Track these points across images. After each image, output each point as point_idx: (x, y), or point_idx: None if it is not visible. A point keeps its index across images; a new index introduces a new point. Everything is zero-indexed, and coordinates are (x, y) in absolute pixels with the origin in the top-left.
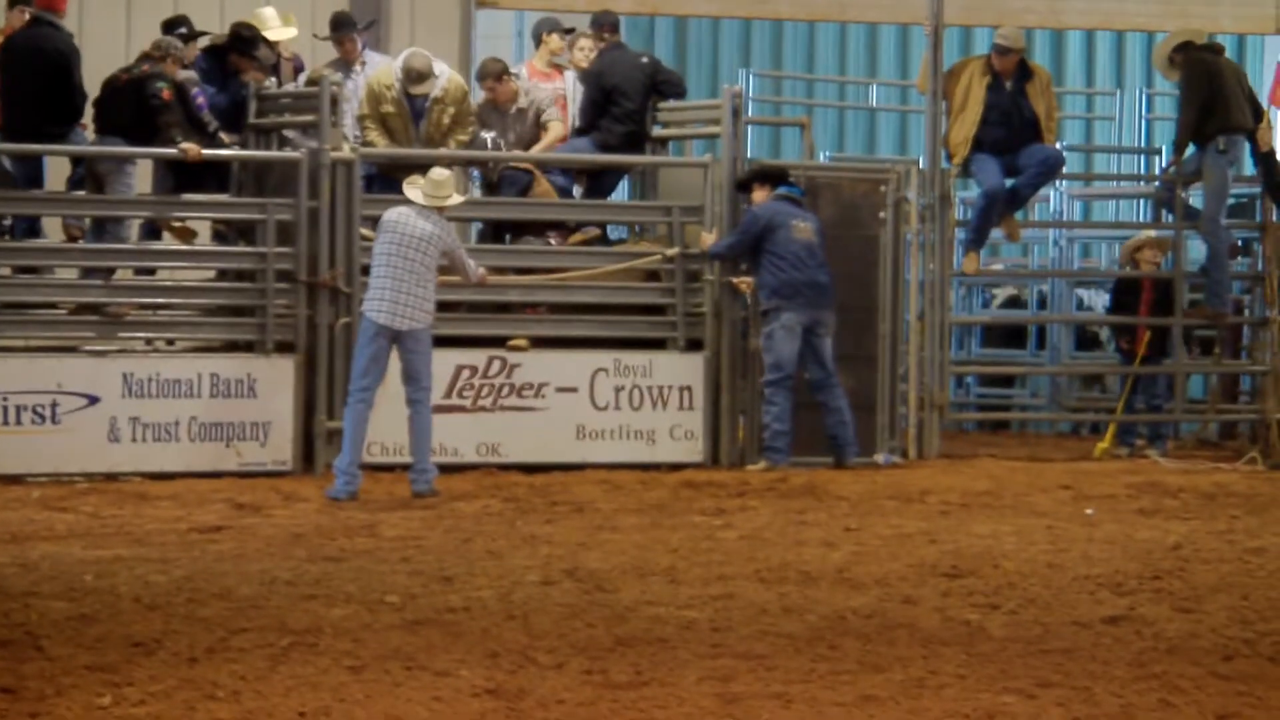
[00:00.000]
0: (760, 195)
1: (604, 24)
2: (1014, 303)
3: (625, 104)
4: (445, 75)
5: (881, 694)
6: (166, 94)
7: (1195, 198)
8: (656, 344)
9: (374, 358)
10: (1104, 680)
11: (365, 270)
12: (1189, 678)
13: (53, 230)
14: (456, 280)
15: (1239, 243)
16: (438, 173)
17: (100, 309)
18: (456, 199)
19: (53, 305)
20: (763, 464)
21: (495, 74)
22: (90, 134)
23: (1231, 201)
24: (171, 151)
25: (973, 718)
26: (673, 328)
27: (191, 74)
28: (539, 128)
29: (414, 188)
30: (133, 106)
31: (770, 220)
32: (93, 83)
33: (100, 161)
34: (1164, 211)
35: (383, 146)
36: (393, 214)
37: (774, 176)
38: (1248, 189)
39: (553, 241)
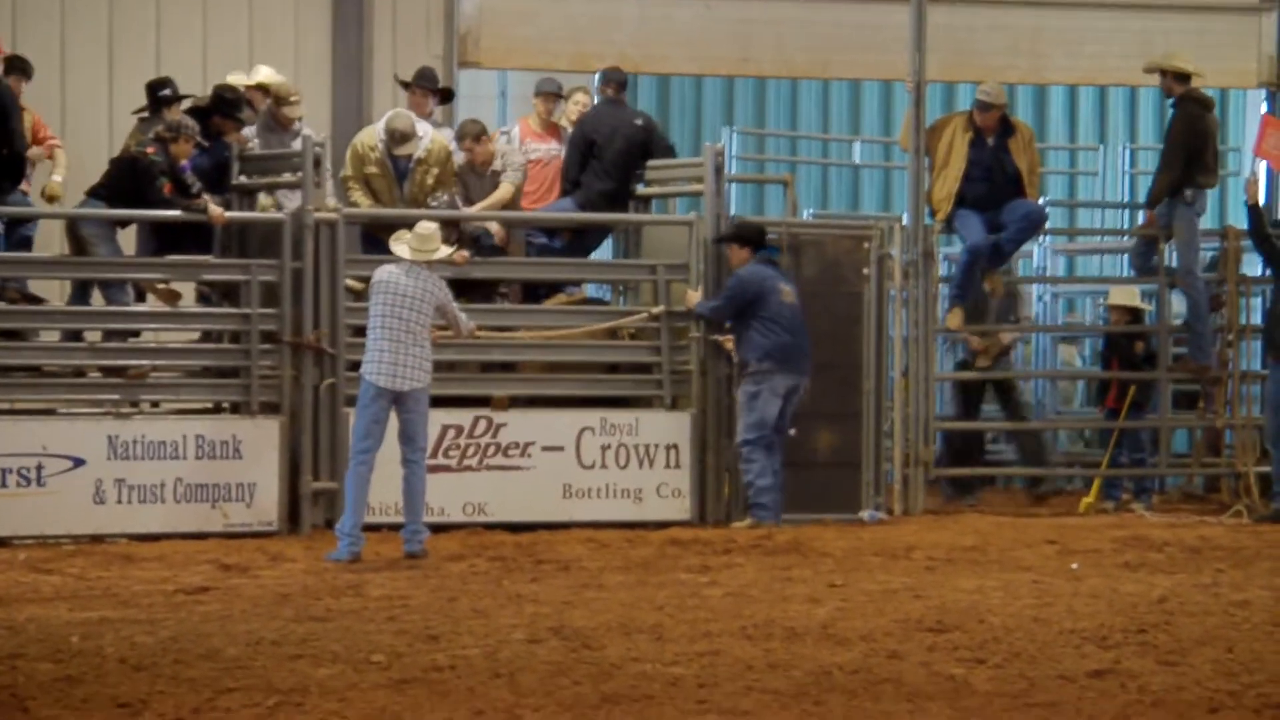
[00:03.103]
0: (741, 256)
1: (610, 80)
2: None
3: (605, 158)
4: (428, 136)
5: None
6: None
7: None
8: (643, 402)
9: (375, 420)
10: None
11: (350, 331)
12: None
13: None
14: (441, 337)
15: (1222, 296)
16: (424, 227)
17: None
18: (444, 251)
19: (37, 368)
20: (748, 521)
21: (474, 135)
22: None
23: (1212, 254)
24: (152, 213)
25: None
26: (659, 386)
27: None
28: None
29: (400, 243)
30: (128, 182)
31: (760, 286)
32: (78, 148)
33: (84, 226)
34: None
35: (366, 207)
36: (382, 273)
37: (753, 239)
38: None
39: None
